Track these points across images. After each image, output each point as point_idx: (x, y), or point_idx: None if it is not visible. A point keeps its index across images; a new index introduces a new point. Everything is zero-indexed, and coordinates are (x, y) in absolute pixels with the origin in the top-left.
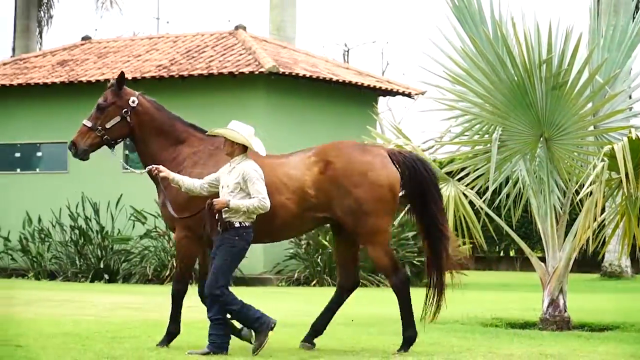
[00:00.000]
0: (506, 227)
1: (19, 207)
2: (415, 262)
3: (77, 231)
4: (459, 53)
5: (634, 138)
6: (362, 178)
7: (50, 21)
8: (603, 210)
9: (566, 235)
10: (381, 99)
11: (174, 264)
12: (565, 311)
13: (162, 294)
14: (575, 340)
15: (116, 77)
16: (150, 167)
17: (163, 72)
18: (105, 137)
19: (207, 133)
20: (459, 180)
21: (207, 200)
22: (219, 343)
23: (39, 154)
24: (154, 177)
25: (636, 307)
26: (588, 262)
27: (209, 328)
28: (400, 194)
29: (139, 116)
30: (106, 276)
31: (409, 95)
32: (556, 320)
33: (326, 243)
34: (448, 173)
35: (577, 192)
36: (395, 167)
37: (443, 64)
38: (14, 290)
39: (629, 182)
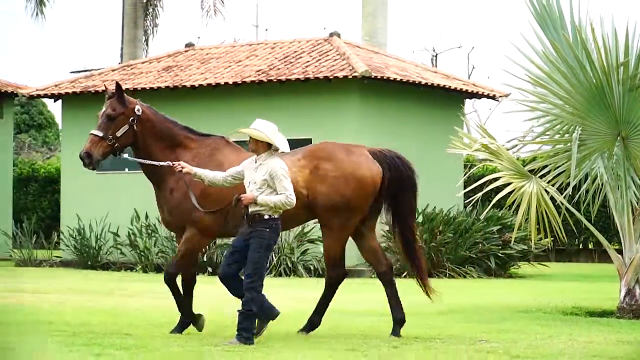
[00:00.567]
0: (585, 221)
1: (128, 205)
2: (499, 254)
3: None
4: (541, 57)
5: None
6: (350, 177)
7: (155, 30)
8: None
9: None
10: (467, 101)
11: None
12: None
13: (266, 285)
14: None
15: (114, 87)
16: (173, 163)
17: (262, 77)
18: (116, 145)
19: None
20: (541, 177)
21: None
22: (248, 334)
23: None
24: (154, 176)
25: None
26: None
27: (239, 319)
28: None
29: (143, 123)
30: (209, 269)
31: (493, 98)
32: (633, 309)
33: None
34: (530, 171)
35: None
36: (378, 164)
37: (525, 67)
38: (123, 282)
39: None
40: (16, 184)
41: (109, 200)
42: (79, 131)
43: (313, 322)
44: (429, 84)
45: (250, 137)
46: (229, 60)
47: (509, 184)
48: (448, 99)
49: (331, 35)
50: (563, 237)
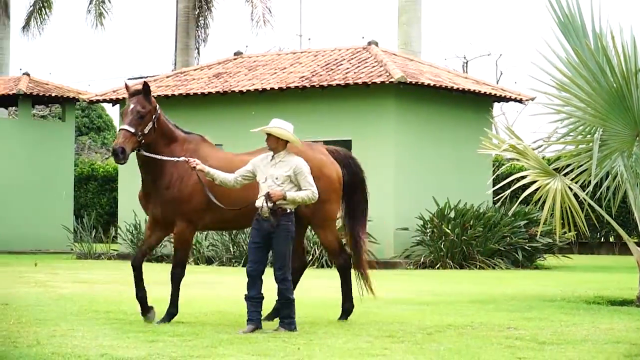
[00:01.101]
0: (606, 216)
1: None
2: (526, 247)
3: None
4: (564, 63)
5: None
6: (320, 173)
7: (206, 39)
8: None
9: None
10: (496, 104)
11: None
12: None
13: (309, 276)
14: None
15: (142, 86)
16: (188, 159)
17: (305, 83)
18: (142, 141)
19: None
20: (565, 175)
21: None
22: (257, 319)
23: None
24: (153, 171)
25: None
26: None
27: (248, 306)
28: None
29: (159, 121)
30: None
31: (520, 101)
32: None
33: (448, 231)
34: (555, 169)
35: None
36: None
37: (550, 73)
38: None
39: None
40: (77, 182)
41: None
42: None
43: (347, 309)
44: (460, 88)
45: (270, 135)
46: (274, 67)
47: (535, 181)
48: (478, 103)
49: (369, 43)
50: (586, 231)
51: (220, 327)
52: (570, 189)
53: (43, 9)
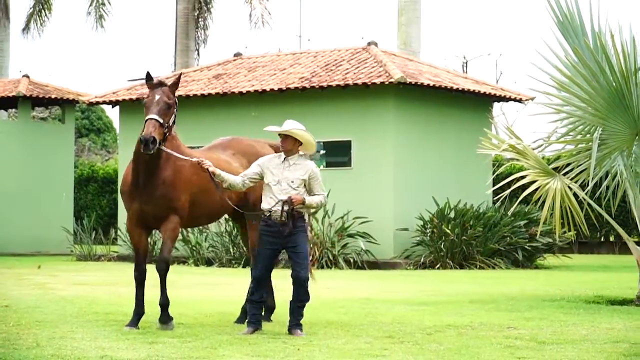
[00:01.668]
0: (606, 216)
1: None
2: (526, 247)
3: (231, 223)
4: (563, 62)
5: None
6: None
7: (206, 40)
8: None
9: None
10: (496, 104)
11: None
12: None
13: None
14: None
15: (178, 77)
16: (200, 159)
17: (305, 84)
18: (167, 133)
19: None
20: (565, 174)
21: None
22: (257, 321)
23: None
24: (150, 165)
25: None
26: None
27: (250, 309)
28: None
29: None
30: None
31: (520, 101)
32: None
33: (448, 231)
34: (555, 169)
35: None
36: None
37: (549, 72)
38: (175, 275)
39: None
40: (77, 184)
41: None
42: (135, 135)
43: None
44: (460, 88)
45: (287, 137)
46: (274, 68)
47: (535, 181)
48: (478, 103)
49: (369, 44)
50: (585, 230)
51: (220, 329)
52: (570, 189)
53: (43, 10)
